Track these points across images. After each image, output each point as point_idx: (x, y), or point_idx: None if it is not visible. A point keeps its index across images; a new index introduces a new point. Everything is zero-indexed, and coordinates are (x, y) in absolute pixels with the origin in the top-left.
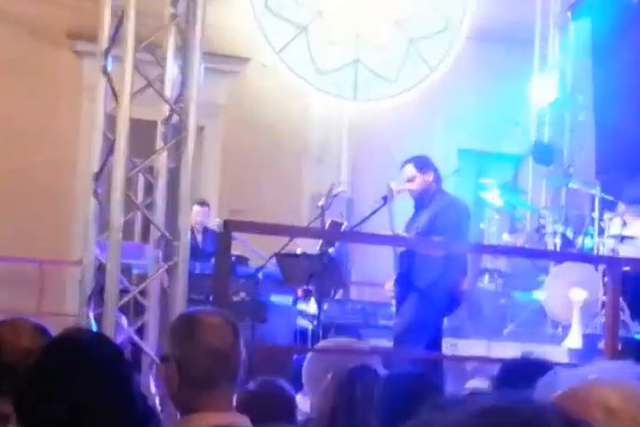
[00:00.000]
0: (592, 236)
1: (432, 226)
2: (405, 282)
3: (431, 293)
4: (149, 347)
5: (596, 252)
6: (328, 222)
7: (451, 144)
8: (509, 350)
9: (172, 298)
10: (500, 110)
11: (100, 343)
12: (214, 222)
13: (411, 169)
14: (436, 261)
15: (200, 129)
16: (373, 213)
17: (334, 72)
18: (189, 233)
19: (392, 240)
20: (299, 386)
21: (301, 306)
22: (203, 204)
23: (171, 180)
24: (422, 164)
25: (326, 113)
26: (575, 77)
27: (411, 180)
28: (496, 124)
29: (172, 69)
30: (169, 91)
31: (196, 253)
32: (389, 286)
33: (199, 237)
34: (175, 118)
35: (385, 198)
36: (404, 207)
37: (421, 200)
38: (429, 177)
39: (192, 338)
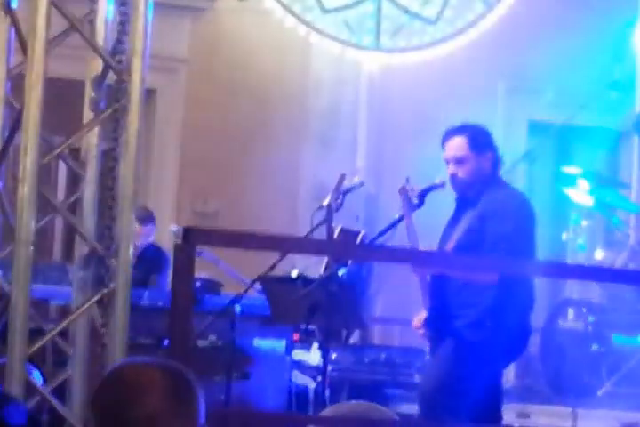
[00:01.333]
0: None
1: (477, 236)
2: (439, 320)
3: (475, 334)
4: (72, 413)
5: None
6: (337, 230)
7: (518, 116)
8: (605, 421)
9: (108, 343)
10: (589, 67)
11: (4, 409)
12: (170, 230)
13: (461, 144)
14: (485, 290)
15: (150, 93)
16: (392, 225)
17: (347, 9)
18: (132, 247)
19: (424, 258)
20: None
21: (299, 355)
22: (144, 219)
23: (105, 169)
24: (480, 138)
25: (335, 71)
26: None
27: (459, 161)
28: (584, 88)
29: (106, 6)
30: (102, 37)
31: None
32: (420, 320)
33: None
34: (112, 78)
35: (410, 207)
36: (439, 205)
37: (466, 196)
38: (488, 160)
39: (117, 405)
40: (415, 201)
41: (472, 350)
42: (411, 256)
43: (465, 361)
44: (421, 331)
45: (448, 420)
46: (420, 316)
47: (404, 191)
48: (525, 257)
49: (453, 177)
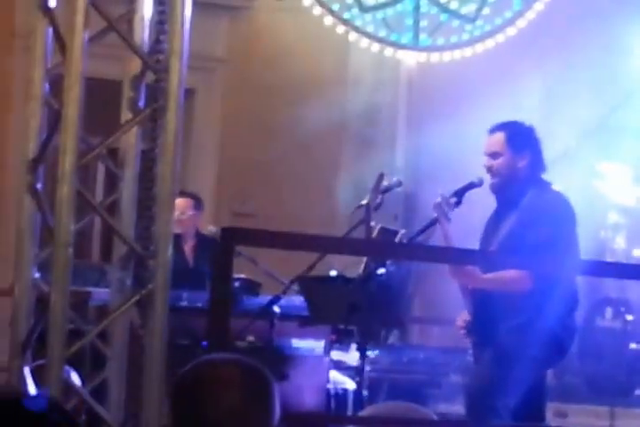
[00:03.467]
0: None
1: (519, 241)
2: (483, 325)
3: (520, 339)
4: (112, 415)
5: None
6: (376, 230)
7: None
8: None
9: (147, 343)
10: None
11: (43, 411)
12: (209, 231)
13: (499, 140)
14: (528, 293)
15: (188, 93)
16: (431, 224)
17: (386, 7)
18: (172, 246)
19: (464, 257)
20: None
21: (337, 355)
22: (190, 196)
23: (143, 169)
24: (520, 136)
25: (373, 70)
26: None
27: (494, 156)
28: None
29: (145, 5)
30: (141, 37)
31: (183, 275)
32: (463, 320)
33: (188, 251)
34: (150, 77)
35: (446, 219)
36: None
37: (505, 195)
38: (524, 159)
39: (197, 403)
40: (450, 213)
41: (516, 353)
42: (450, 255)
43: (509, 365)
44: (463, 331)
45: (493, 421)
46: (463, 316)
47: (438, 207)
48: (568, 258)
49: (488, 170)
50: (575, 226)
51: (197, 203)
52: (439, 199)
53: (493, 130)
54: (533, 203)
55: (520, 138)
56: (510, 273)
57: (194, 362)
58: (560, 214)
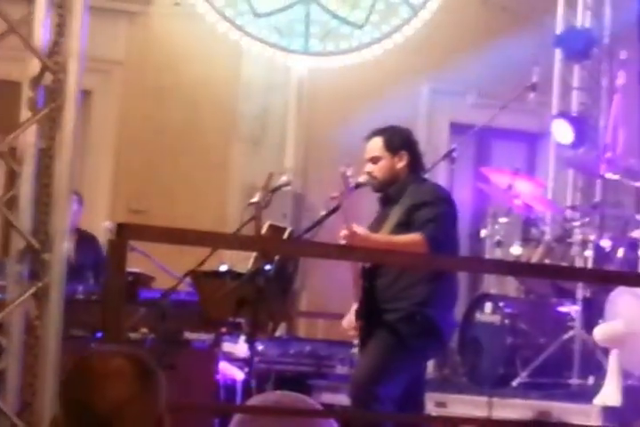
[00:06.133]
0: (637, 246)
1: (407, 228)
2: (370, 314)
3: (404, 328)
4: (9, 407)
5: None
6: (265, 227)
7: (441, 117)
8: (519, 410)
9: (43, 335)
10: (509, 70)
11: None
12: (105, 227)
13: (377, 145)
14: (415, 284)
15: (86, 94)
16: (327, 215)
17: (278, 14)
18: (66, 242)
19: (350, 253)
20: None
21: (227, 347)
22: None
23: (41, 166)
24: (397, 139)
25: (265, 75)
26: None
27: (374, 160)
28: (505, 90)
29: (44, 8)
30: (39, 39)
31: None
32: (348, 322)
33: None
34: (49, 78)
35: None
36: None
37: (387, 194)
38: (402, 161)
39: (84, 393)
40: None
41: (401, 343)
42: (335, 251)
43: (394, 354)
44: (351, 333)
45: (376, 409)
46: (350, 317)
47: (344, 177)
48: (450, 243)
49: (369, 177)
50: (457, 214)
51: (80, 199)
52: (344, 169)
53: (371, 135)
54: (417, 192)
55: (397, 141)
56: (407, 236)
57: (83, 353)
58: (443, 200)
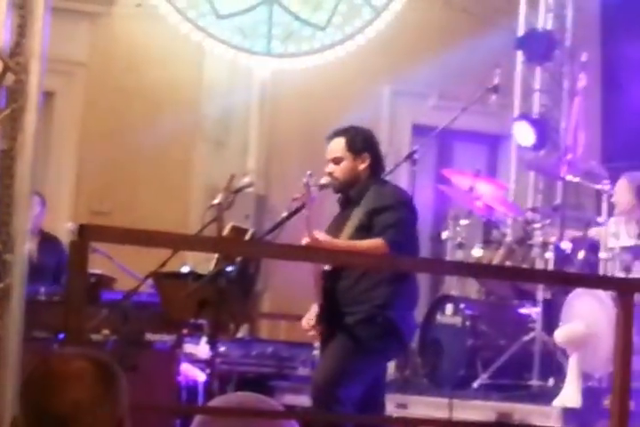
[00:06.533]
0: (598, 248)
1: (367, 231)
2: (331, 316)
3: (365, 330)
4: None
5: (602, 271)
6: (228, 228)
7: (402, 119)
8: (480, 411)
9: (4, 336)
10: (470, 73)
11: None
12: (67, 228)
13: (339, 145)
14: (376, 287)
15: (48, 96)
16: (289, 217)
17: (240, 15)
18: (28, 243)
19: (312, 254)
20: None
21: (188, 348)
22: (36, 193)
23: (3, 167)
24: (358, 140)
25: (228, 76)
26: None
27: (336, 161)
28: (467, 92)
29: (5, 9)
30: (1, 39)
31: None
32: (308, 322)
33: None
34: (10, 79)
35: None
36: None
37: (347, 197)
38: (364, 162)
39: (44, 394)
40: (316, 193)
41: (362, 345)
42: (297, 253)
43: (355, 356)
44: (311, 333)
45: (337, 411)
46: (309, 317)
47: (307, 185)
48: (410, 247)
49: (330, 175)
50: (416, 218)
51: (42, 200)
52: (306, 180)
53: (333, 136)
54: (377, 195)
55: (360, 142)
56: (369, 241)
57: (44, 355)
58: (403, 204)
